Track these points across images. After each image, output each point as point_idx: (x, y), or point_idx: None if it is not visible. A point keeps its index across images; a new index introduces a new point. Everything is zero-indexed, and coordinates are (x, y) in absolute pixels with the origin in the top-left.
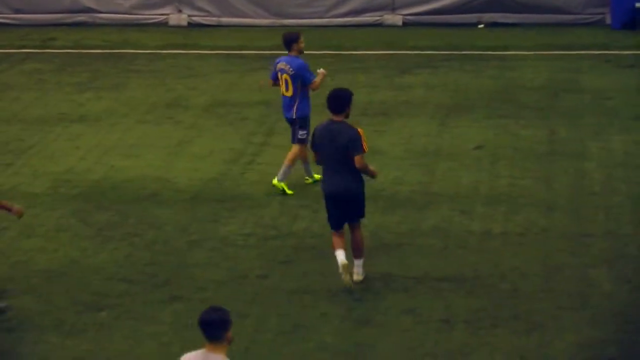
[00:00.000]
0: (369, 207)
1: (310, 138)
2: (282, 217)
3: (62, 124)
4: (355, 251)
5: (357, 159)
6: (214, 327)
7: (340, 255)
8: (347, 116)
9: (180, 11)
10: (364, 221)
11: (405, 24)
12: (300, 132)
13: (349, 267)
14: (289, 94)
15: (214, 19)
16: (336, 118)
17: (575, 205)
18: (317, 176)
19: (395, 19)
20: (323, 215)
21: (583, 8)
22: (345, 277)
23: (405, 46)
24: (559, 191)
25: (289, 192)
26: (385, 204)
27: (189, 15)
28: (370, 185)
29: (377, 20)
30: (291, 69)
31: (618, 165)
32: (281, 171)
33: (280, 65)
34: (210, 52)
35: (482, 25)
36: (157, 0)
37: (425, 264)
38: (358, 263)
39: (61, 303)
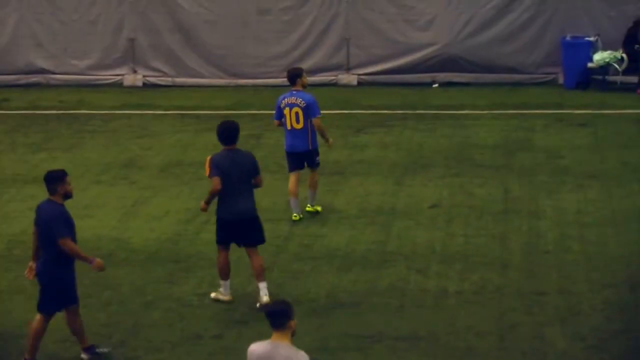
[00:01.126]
0: (324, 267)
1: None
2: (237, 278)
3: (16, 185)
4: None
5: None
6: (279, 317)
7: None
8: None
9: (135, 72)
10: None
11: (360, 84)
12: (317, 159)
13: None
14: (300, 126)
15: (168, 79)
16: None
17: (530, 263)
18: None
19: (350, 78)
20: (278, 274)
21: (536, 68)
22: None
23: (360, 105)
24: (513, 249)
25: (319, 209)
26: (341, 263)
27: (144, 76)
28: (325, 245)
29: (332, 79)
30: (303, 102)
31: (571, 223)
32: (310, 197)
33: (289, 100)
34: (165, 112)
35: (436, 85)
36: (112, 61)
37: (381, 323)
38: (263, 286)
39: None
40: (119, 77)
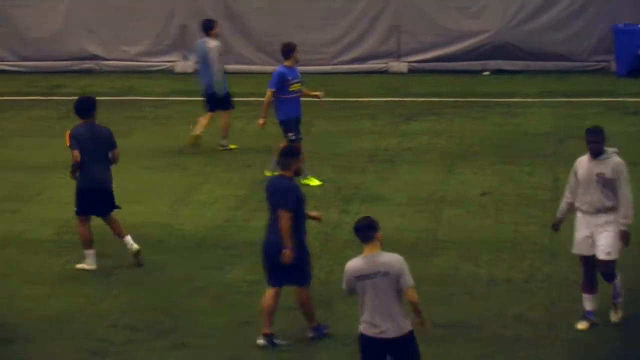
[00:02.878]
0: None
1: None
2: None
3: (68, 170)
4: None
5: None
6: (367, 230)
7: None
8: None
9: (186, 58)
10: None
11: (410, 71)
12: (287, 134)
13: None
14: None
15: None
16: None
17: None
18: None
19: (401, 66)
20: (328, 262)
21: (588, 55)
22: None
23: (411, 93)
24: (563, 238)
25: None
26: (390, 251)
27: (195, 62)
28: None
29: (383, 67)
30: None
31: None
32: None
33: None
34: None
35: (487, 73)
36: (163, 47)
37: (430, 311)
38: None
39: (65, 350)
40: (170, 64)
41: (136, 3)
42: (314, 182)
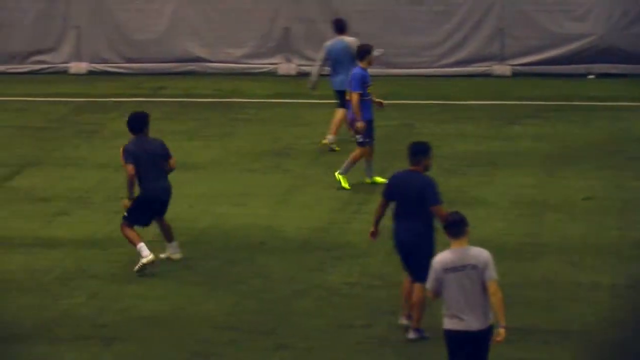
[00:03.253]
0: None
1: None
2: (388, 267)
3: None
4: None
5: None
6: (459, 225)
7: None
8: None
9: (289, 60)
10: None
11: (514, 74)
12: (357, 137)
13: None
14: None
15: (322, 68)
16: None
17: None
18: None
19: (504, 69)
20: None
21: None
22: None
23: (514, 96)
24: None
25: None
26: (492, 255)
27: (298, 65)
28: (476, 236)
29: (486, 70)
30: None
31: None
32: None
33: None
34: (318, 102)
35: (592, 76)
36: (266, 49)
37: (532, 316)
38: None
39: (168, 350)
40: (274, 66)
41: (240, 5)
42: (380, 180)
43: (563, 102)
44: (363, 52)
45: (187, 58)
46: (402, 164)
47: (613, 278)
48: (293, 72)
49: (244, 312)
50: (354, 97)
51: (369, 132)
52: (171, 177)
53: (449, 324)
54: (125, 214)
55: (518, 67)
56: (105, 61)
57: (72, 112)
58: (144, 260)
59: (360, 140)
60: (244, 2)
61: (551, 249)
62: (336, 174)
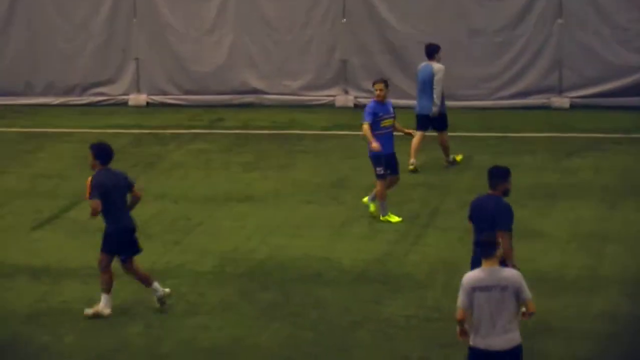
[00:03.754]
0: (534, 290)
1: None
2: (445, 299)
3: (229, 203)
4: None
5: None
6: (488, 247)
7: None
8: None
9: (346, 92)
10: None
11: (572, 107)
12: (376, 169)
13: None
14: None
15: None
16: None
17: None
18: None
19: (563, 101)
20: None
21: None
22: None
23: (573, 129)
24: None
25: (397, 219)
26: (551, 287)
27: (355, 97)
28: (535, 268)
29: (544, 102)
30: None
31: None
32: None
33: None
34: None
35: None
36: (324, 81)
37: (592, 350)
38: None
39: None
40: (331, 98)
41: (298, 37)
42: (394, 218)
43: (622, 134)
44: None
45: (245, 90)
46: (460, 198)
47: None
48: (350, 104)
49: (300, 343)
50: (363, 128)
51: (387, 165)
52: (229, 209)
53: (474, 341)
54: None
55: (576, 99)
56: (163, 93)
57: (130, 144)
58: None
59: (382, 172)
60: (302, 34)
61: (611, 282)
62: (381, 217)
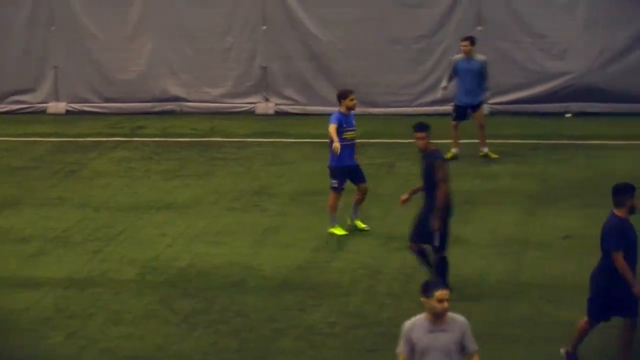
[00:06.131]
0: (454, 296)
1: None
2: (368, 306)
3: (150, 211)
4: None
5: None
6: (426, 288)
7: None
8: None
9: (267, 100)
10: None
11: (492, 113)
12: (331, 181)
13: None
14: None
15: (300, 107)
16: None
17: None
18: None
19: (482, 108)
20: (409, 304)
21: None
22: None
23: (492, 135)
24: None
25: (342, 232)
26: (472, 293)
27: (276, 104)
28: (455, 274)
29: None
30: None
31: None
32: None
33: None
34: (296, 141)
35: (570, 115)
36: (244, 89)
37: (511, 355)
38: None
39: None
40: (252, 105)
41: (218, 45)
42: (340, 231)
43: (541, 140)
44: (338, 97)
45: (166, 97)
46: (383, 204)
47: None
48: (271, 111)
49: (223, 351)
50: (330, 129)
51: (352, 176)
52: (151, 217)
53: None
54: None
55: (496, 106)
56: (83, 101)
57: (50, 152)
58: None
59: (335, 185)
60: (222, 42)
61: (531, 287)
62: (328, 229)
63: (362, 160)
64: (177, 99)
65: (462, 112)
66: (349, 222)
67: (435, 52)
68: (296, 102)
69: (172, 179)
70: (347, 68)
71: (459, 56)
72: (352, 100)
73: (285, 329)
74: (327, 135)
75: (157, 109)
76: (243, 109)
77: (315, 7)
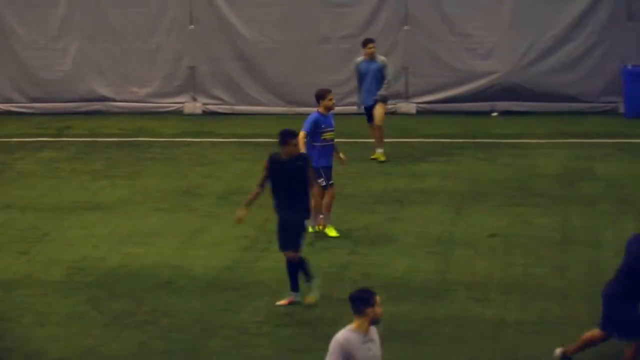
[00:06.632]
0: (382, 295)
1: None
2: (296, 305)
3: (77, 212)
4: None
5: None
6: (355, 303)
7: None
8: None
9: (195, 99)
10: None
11: (419, 112)
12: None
13: None
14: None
15: (228, 107)
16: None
17: (591, 294)
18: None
19: (409, 107)
20: (337, 303)
21: (597, 97)
22: None
23: (420, 134)
24: (573, 280)
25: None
26: (399, 293)
27: (203, 104)
28: (384, 273)
29: (391, 108)
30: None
31: None
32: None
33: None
34: (224, 140)
35: (496, 114)
36: (172, 88)
37: (439, 353)
38: None
39: None
40: (179, 105)
41: (145, 45)
42: (332, 232)
43: (468, 139)
44: (316, 97)
45: (92, 97)
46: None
47: (519, 314)
48: (199, 111)
49: (151, 352)
50: (300, 135)
51: (328, 175)
52: (78, 217)
53: None
54: None
55: (423, 105)
56: (9, 101)
57: None
58: None
59: (324, 184)
60: (149, 42)
61: (458, 285)
62: (324, 230)
63: None
64: (104, 99)
65: (370, 113)
66: (317, 228)
67: (361, 52)
68: (224, 102)
69: (100, 179)
70: (275, 68)
71: (360, 59)
72: (330, 100)
73: (213, 329)
74: (255, 134)
75: (83, 109)
76: (171, 108)
77: (243, 7)
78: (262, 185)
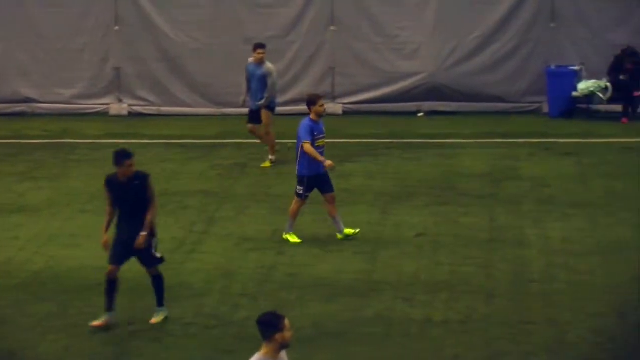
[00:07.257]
0: (310, 296)
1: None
2: (223, 307)
3: (2, 214)
4: None
5: None
6: (263, 327)
7: None
8: None
9: (120, 101)
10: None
11: (345, 113)
12: (297, 187)
13: None
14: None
15: (154, 108)
16: None
17: (516, 292)
18: (348, 231)
19: (336, 107)
20: (264, 304)
21: (521, 97)
22: None
23: (345, 134)
24: (499, 279)
25: (296, 240)
26: (327, 293)
27: (129, 105)
28: (311, 274)
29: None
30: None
31: (557, 252)
32: (287, 224)
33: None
34: (150, 142)
35: (421, 114)
36: (97, 90)
37: (366, 352)
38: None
39: None
40: (105, 107)
41: (70, 46)
42: (294, 239)
43: (394, 139)
44: (307, 103)
45: (16, 99)
46: (235, 204)
47: (445, 313)
48: (124, 112)
49: (77, 354)
50: (306, 147)
51: (320, 184)
52: (2, 220)
53: None
54: None
55: (349, 106)
56: None
57: None
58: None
59: (300, 192)
60: (74, 43)
61: (384, 285)
62: (283, 234)
63: (213, 161)
64: (28, 100)
65: (253, 116)
66: (339, 237)
67: (288, 52)
68: (150, 103)
69: (25, 182)
70: (200, 68)
71: (251, 60)
72: (321, 106)
73: (141, 330)
74: (182, 136)
75: (7, 111)
76: (96, 110)
77: (168, 8)
78: (112, 206)
